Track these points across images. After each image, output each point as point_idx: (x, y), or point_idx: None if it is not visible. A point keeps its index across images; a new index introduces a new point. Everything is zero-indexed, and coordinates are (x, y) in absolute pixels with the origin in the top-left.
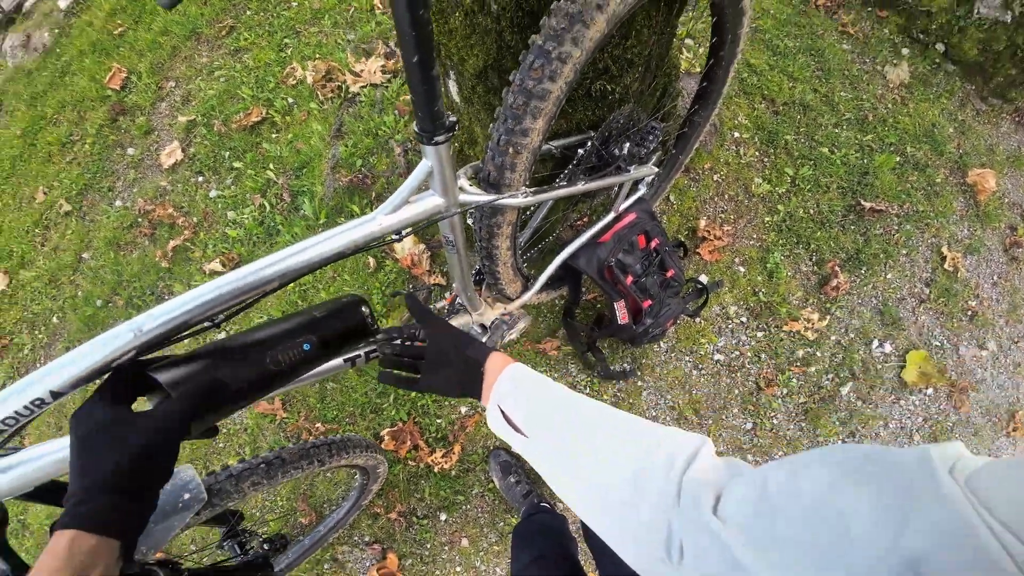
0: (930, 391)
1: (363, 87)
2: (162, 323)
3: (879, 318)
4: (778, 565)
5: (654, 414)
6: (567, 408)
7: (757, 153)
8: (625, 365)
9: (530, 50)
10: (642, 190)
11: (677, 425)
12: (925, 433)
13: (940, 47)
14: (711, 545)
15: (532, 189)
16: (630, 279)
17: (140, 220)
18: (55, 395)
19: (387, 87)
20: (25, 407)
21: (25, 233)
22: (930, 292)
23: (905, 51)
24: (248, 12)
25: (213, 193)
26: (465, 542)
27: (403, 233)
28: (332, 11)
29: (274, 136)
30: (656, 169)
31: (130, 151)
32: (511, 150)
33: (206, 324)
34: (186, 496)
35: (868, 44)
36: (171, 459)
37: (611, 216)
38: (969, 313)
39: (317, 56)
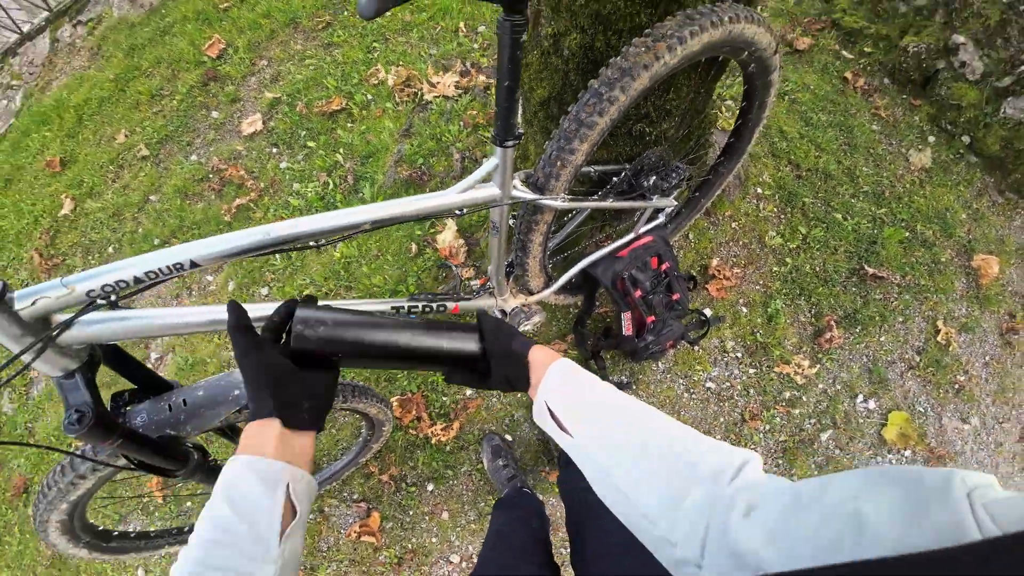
0: (908, 453)
1: (436, 97)
2: (283, 235)
3: (867, 375)
4: (793, 559)
5: None
6: (615, 409)
7: (775, 209)
8: (623, 377)
9: (587, 90)
10: (661, 219)
11: None
12: None
13: (966, 139)
14: (736, 545)
15: (569, 197)
16: (639, 293)
17: (211, 176)
18: (193, 264)
19: (457, 100)
20: (167, 267)
21: (99, 168)
22: (920, 360)
23: (931, 139)
24: (345, 12)
25: (283, 164)
26: (445, 515)
27: (464, 210)
28: (420, 26)
29: (349, 125)
30: (675, 202)
31: (214, 114)
32: (559, 163)
33: (311, 244)
34: (235, 392)
35: (897, 128)
36: (287, 370)
37: (631, 236)
38: (956, 386)
39: (400, 63)
